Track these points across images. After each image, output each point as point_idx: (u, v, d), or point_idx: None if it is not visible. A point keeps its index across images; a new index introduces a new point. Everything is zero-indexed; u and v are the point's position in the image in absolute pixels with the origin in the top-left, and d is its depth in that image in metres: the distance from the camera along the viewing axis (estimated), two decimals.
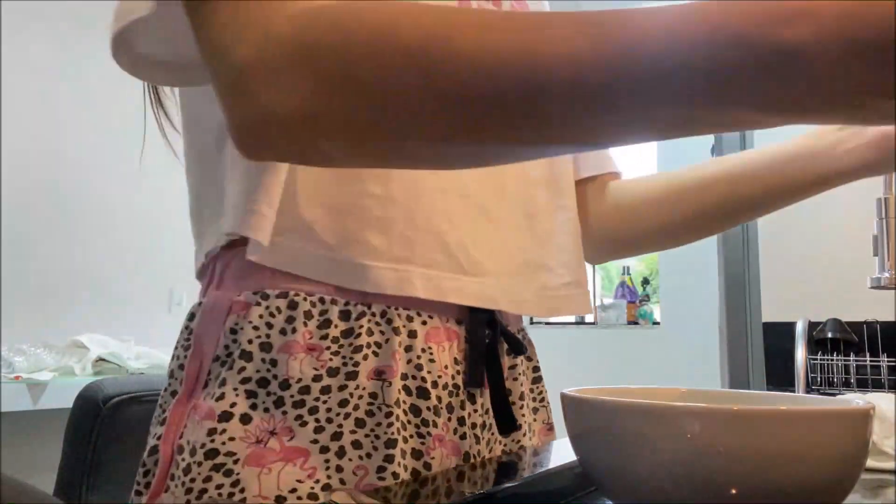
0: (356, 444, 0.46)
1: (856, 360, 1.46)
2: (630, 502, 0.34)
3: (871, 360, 1.45)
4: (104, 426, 1.10)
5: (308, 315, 0.46)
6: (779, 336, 1.64)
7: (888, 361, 1.43)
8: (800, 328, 1.35)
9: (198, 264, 0.54)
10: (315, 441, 0.45)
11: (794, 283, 1.71)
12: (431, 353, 0.49)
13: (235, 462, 0.43)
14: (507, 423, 0.54)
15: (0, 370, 1.35)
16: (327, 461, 0.45)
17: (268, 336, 0.46)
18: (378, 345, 0.48)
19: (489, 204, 0.53)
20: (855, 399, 0.39)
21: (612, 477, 0.34)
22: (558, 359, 1.82)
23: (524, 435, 0.58)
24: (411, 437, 0.48)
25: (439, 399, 0.49)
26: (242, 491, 0.43)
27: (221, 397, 0.44)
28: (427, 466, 0.48)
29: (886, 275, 1.03)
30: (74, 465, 1.08)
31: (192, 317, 0.51)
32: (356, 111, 0.34)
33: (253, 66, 0.35)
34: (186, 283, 3.70)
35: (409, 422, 0.48)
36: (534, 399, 0.62)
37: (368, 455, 0.46)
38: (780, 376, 1.66)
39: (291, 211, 0.47)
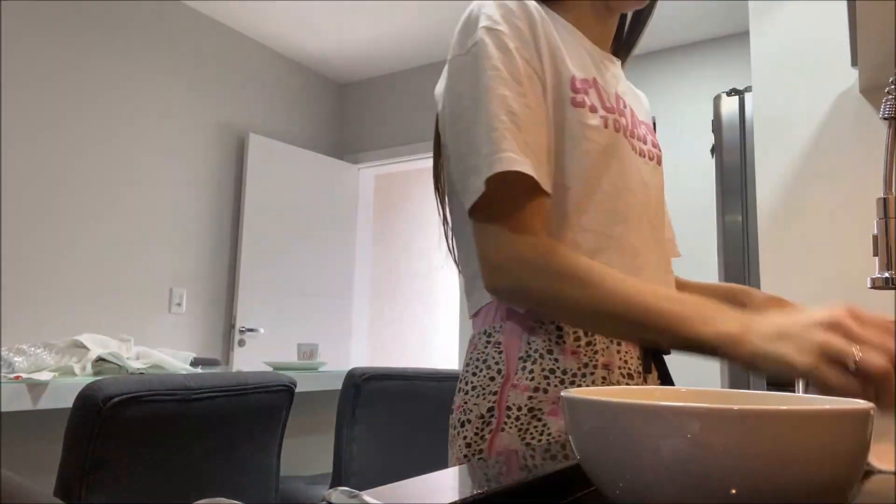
0: None
1: None
2: (630, 502, 0.34)
3: None
4: (104, 426, 1.10)
5: (568, 334, 0.78)
6: None
7: None
8: None
9: (479, 305, 0.85)
10: None
11: (794, 282, 1.71)
12: (629, 354, 0.80)
13: (543, 414, 0.75)
14: None
15: (0, 370, 1.35)
16: None
17: (549, 345, 0.77)
18: (603, 349, 0.78)
19: (657, 273, 0.87)
20: (855, 399, 0.39)
21: (612, 477, 0.34)
22: None
23: None
24: None
25: (636, 382, 0.80)
26: (549, 430, 0.74)
27: (532, 379, 0.76)
28: None
29: (886, 275, 1.03)
30: (74, 465, 1.08)
31: (489, 334, 0.81)
32: (553, 311, 0.76)
33: (508, 266, 0.73)
34: (186, 284, 3.70)
35: None
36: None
37: None
38: (780, 376, 1.66)
39: None
